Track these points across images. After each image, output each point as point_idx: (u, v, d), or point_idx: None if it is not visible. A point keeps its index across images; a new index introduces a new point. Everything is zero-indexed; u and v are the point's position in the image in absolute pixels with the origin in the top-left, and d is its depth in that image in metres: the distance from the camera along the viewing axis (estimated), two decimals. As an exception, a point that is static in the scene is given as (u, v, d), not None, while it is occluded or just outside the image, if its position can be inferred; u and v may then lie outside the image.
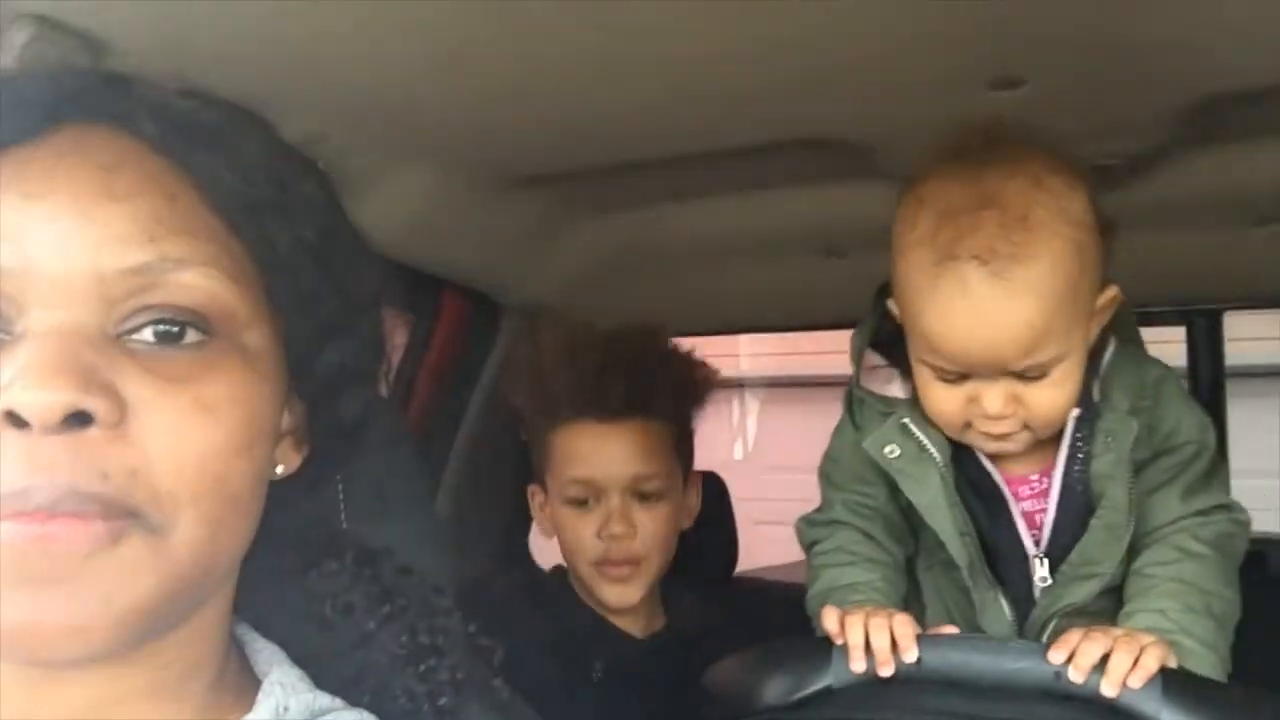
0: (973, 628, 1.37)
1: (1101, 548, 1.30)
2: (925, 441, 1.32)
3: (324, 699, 0.66)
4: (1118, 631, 1.12)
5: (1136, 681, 1.04)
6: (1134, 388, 1.32)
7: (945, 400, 1.27)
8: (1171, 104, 1.44)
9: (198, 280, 0.61)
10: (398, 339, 2.07)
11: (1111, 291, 1.28)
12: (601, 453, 1.57)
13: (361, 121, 1.41)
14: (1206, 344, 2.49)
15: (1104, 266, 1.26)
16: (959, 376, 1.25)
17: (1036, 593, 1.34)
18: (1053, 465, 1.32)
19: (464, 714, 0.71)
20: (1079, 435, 1.30)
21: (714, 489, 2.31)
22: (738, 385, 8.03)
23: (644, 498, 1.59)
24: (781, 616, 2.12)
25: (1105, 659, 1.07)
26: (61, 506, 0.54)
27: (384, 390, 0.78)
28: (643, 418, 1.59)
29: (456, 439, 2.09)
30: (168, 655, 0.62)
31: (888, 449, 1.34)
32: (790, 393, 7.87)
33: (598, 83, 1.35)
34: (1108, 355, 1.32)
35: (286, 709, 0.64)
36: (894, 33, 1.21)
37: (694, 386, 1.68)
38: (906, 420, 1.33)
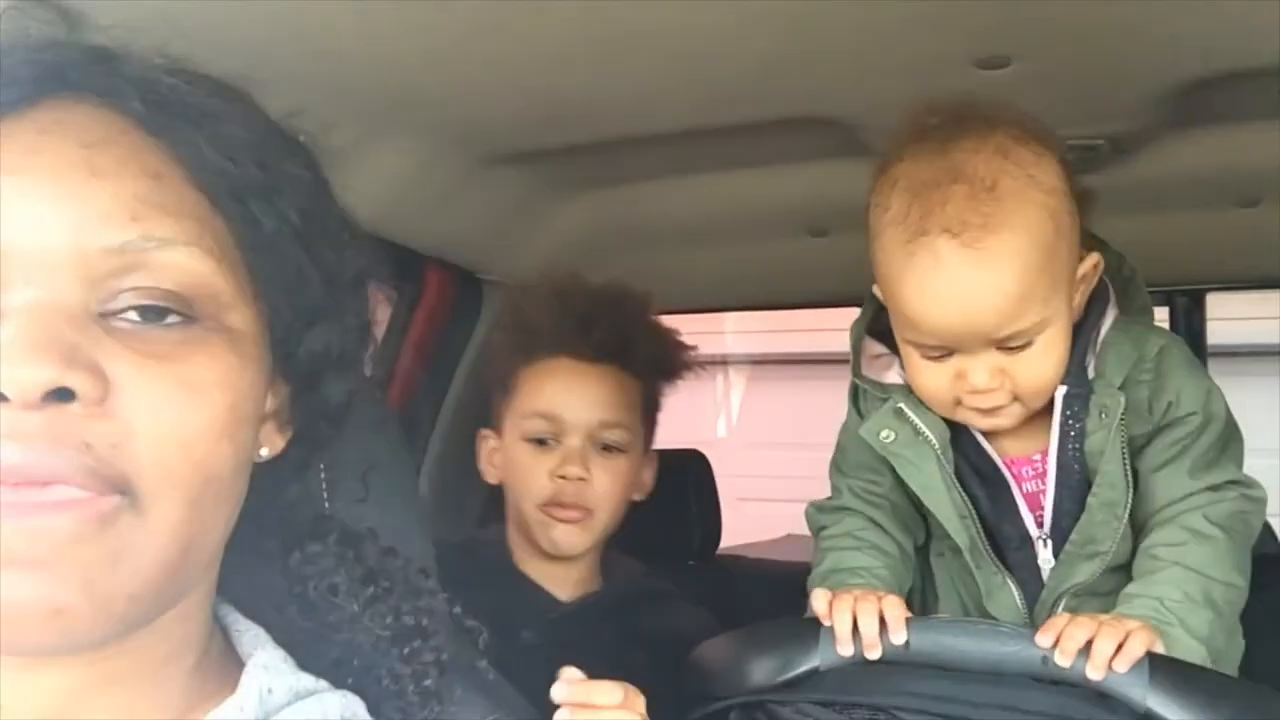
0: (982, 613, 1.38)
1: (1101, 526, 1.30)
2: (920, 425, 1.32)
3: (308, 680, 0.66)
4: (1105, 616, 1.12)
5: (1122, 666, 1.04)
6: (1130, 360, 1.30)
7: (933, 378, 1.27)
8: (1156, 86, 1.44)
9: (181, 259, 0.60)
10: (381, 314, 2.06)
11: (1093, 258, 1.28)
12: (572, 391, 1.55)
13: (344, 96, 1.39)
14: (1188, 324, 2.51)
15: (1081, 233, 1.26)
16: (943, 352, 1.25)
17: (1044, 575, 1.34)
18: (1050, 438, 1.32)
19: (448, 695, 0.71)
20: (1069, 412, 1.29)
21: (698, 467, 2.32)
22: (721, 362, 8.05)
23: (605, 448, 1.56)
24: (760, 596, 2.14)
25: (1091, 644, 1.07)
26: (44, 475, 0.54)
27: (368, 369, 0.78)
28: (617, 366, 1.57)
29: (440, 415, 2.09)
30: (151, 640, 0.62)
31: (883, 434, 1.34)
32: (774, 370, 7.88)
33: (583, 60, 1.34)
34: (1104, 329, 1.31)
35: (270, 691, 0.64)
36: (881, 11, 1.21)
37: (671, 355, 1.67)
38: (901, 405, 1.33)
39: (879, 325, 1.39)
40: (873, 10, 1.21)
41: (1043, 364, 1.24)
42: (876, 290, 1.33)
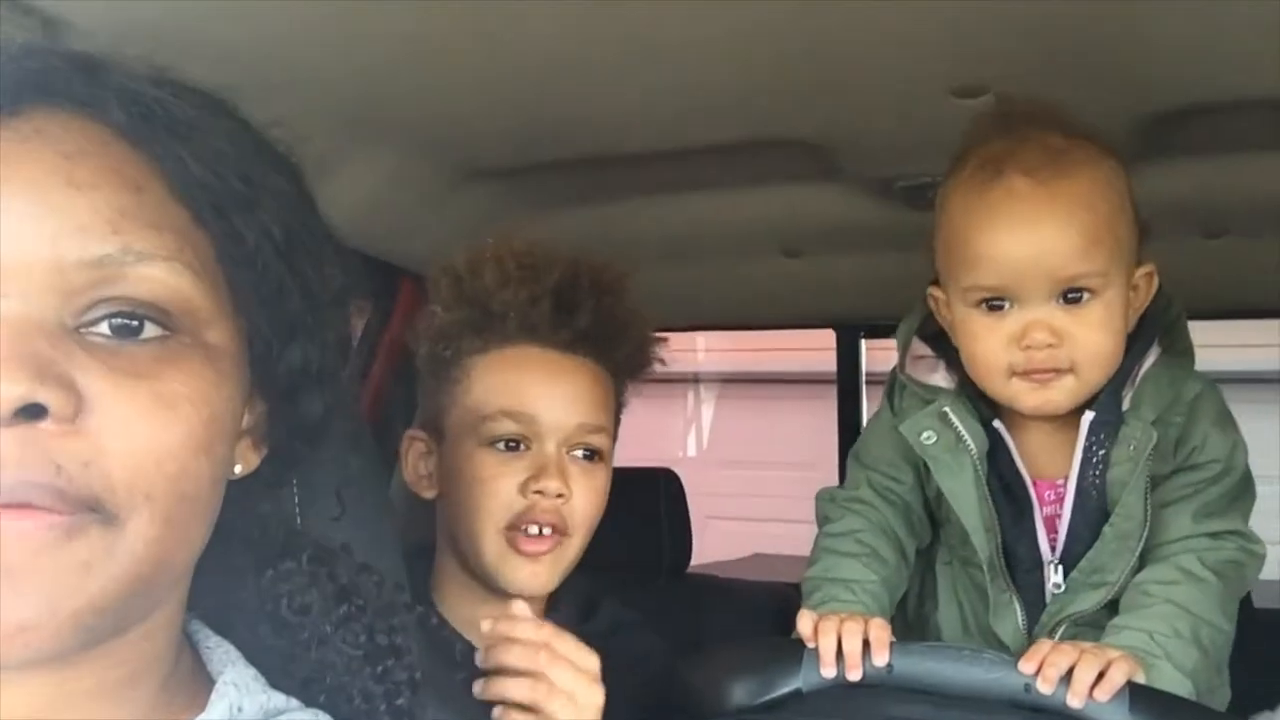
0: (985, 628, 1.38)
1: (1112, 556, 1.30)
2: (963, 431, 1.33)
3: (279, 699, 0.66)
4: (1087, 645, 1.12)
5: (1103, 695, 1.05)
6: (1167, 399, 1.31)
7: (991, 339, 1.26)
8: (1127, 118, 1.46)
9: (160, 274, 0.59)
10: (355, 325, 2.06)
11: (1148, 267, 1.30)
12: (548, 384, 1.27)
13: (320, 107, 1.39)
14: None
15: (1139, 236, 1.29)
16: (1001, 305, 1.25)
17: (1048, 598, 1.35)
18: (1072, 461, 1.32)
19: (420, 715, 0.70)
20: (1093, 439, 1.30)
21: (669, 485, 2.32)
22: (693, 380, 8.05)
23: (584, 455, 1.28)
24: (728, 615, 2.14)
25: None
26: (12, 498, 0.53)
27: (344, 384, 0.77)
28: (596, 360, 1.31)
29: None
30: (117, 656, 0.61)
31: (924, 435, 1.34)
32: (744, 388, 7.90)
33: (561, 78, 1.35)
34: (1146, 365, 1.32)
35: (240, 709, 0.63)
36: (859, 38, 1.22)
37: (648, 350, 1.40)
38: (947, 409, 1.34)
39: (925, 330, 1.41)
40: (851, 36, 1.22)
41: (1101, 330, 1.24)
42: (932, 291, 1.35)
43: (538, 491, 1.24)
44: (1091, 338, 1.24)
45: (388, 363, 2.01)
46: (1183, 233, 1.90)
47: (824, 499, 1.48)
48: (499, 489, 1.24)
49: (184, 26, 1.08)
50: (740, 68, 1.32)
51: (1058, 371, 1.25)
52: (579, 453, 1.28)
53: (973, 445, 1.32)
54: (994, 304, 1.26)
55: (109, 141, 0.61)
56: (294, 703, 0.66)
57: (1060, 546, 1.34)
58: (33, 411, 0.53)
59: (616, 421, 1.38)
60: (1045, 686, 1.06)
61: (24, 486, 0.53)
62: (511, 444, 1.26)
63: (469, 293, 1.29)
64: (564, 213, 1.95)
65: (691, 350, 7.53)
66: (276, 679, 0.68)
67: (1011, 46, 1.25)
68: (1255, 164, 1.61)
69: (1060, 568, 1.33)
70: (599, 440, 1.30)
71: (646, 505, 2.26)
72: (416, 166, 1.67)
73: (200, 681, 0.66)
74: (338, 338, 0.72)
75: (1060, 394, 1.27)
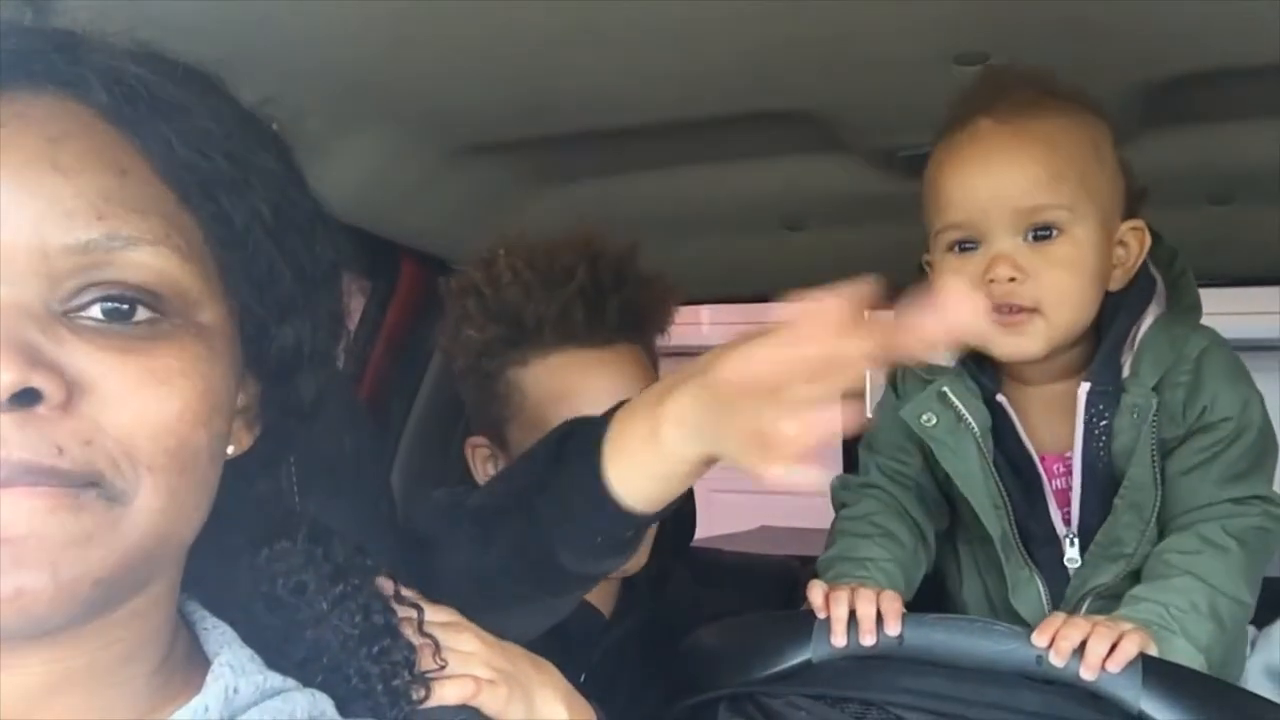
0: (1006, 606, 1.37)
1: (1127, 528, 1.29)
2: (963, 410, 1.32)
3: (275, 680, 0.65)
4: (1100, 618, 1.11)
5: (1114, 666, 1.04)
6: (1167, 362, 1.29)
7: (958, 278, 1.24)
8: (1131, 84, 1.44)
9: (148, 259, 0.59)
10: (355, 306, 2.05)
11: (1136, 222, 1.29)
12: (596, 384, 1.31)
13: (316, 83, 1.38)
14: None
15: (1125, 190, 1.30)
16: (972, 246, 1.26)
17: (1069, 573, 1.34)
18: (1074, 435, 1.32)
19: (418, 695, 0.70)
20: (1094, 410, 1.29)
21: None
22: (698, 354, 8.04)
23: None
24: (736, 588, 2.14)
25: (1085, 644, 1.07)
26: (15, 479, 0.53)
27: (340, 363, 0.77)
28: (630, 342, 1.36)
29: (414, 407, 2.08)
30: (111, 635, 0.61)
31: (924, 417, 1.34)
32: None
33: (559, 52, 1.34)
34: (1144, 328, 1.30)
35: (236, 691, 0.63)
36: (859, 6, 1.21)
37: (669, 305, 1.46)
38: (945, 389, 1.33)
39: None
40: (850, 5, 1.21)
41: (1067, 269, 1.24)
42: (925, 261, 1.34)
43: None
44: (1056, 275, 1.23)
45: (388, 343, 2.01)
46: (1188, 200, 1.89)
47: (837, 486, 1.47)
48: None
49: (173, 6, 1.06)
50: (739, 39, 1.31)
51: (1023, 310, 1.24)
52: None
53: (974, 424, 1.32)
54: (965, 246, 1.27)
55: (92, 123, 0.60)
56: (291, 683, 0.66)
57: (1075, 520, 1.33)
58: (27, 397, 0.53)
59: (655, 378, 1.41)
60: (1058, 659, 1.06)
61: (26, 468, 0.53)
62: None
63: (495, 309, 1.33)
64: (564, 187, 1.94)
65: (696, 324, 7.52)
66: (273, 659, 0.67)
67: (1013, 13, 1.24)
68: (1260, 131, 1.59)
69: (1077, 541, 1.33)
70: None
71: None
72: (416, 143, 1.66)
73: (197, 663, 0.66)
74: (330, 317, 0.71)
75: (1031, 339, 1.25)
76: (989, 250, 1.25)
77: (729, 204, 2.02)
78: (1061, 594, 1.35)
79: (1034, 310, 1.24)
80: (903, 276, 1.45)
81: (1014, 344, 1.26)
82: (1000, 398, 1.33)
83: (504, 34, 1.27)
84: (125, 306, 0.58)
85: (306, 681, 0.68)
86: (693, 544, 2.37)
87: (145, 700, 0.63)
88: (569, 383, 1.32)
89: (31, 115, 0.59)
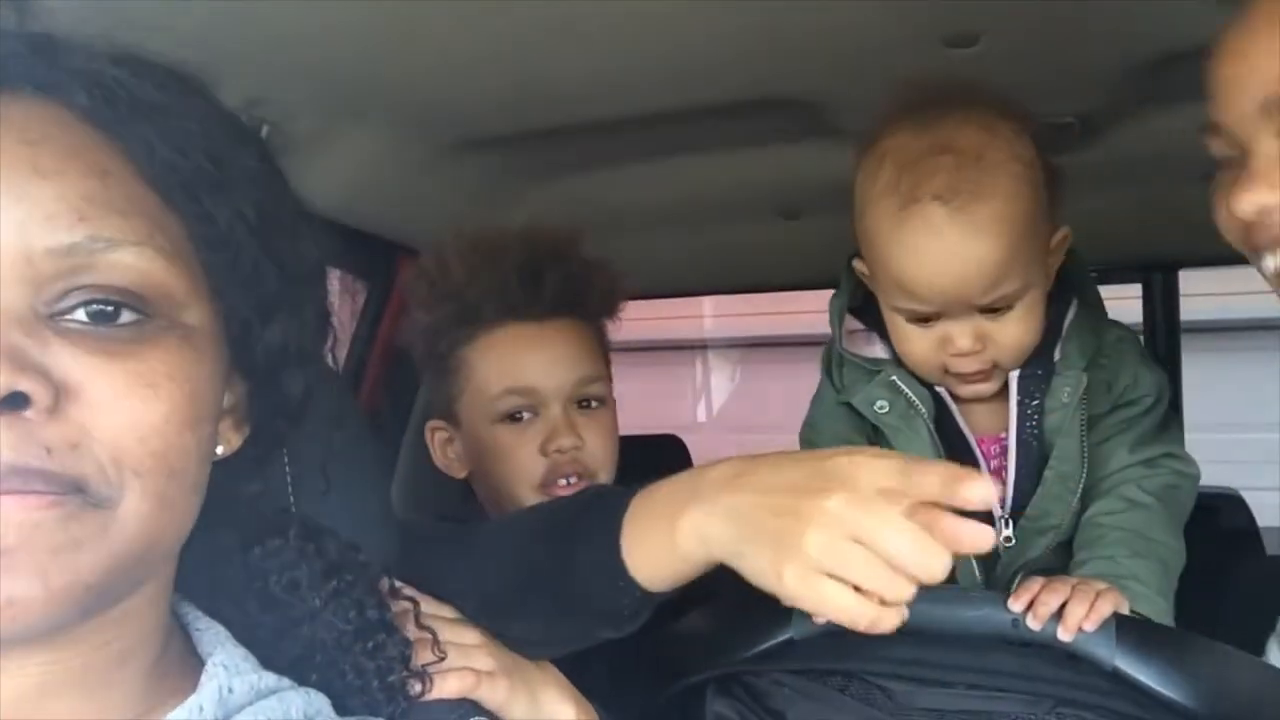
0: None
1: (1054, 500, 1.34)
2: (913, 396, 1.36)
3: (270, 679, 0.65)
4: (1074, 580, 1.13)
5: (1090, 625, 1.06)
6: (1092, 347, 1.36)
7: (919, 344, 1.31)
8: (1126, 61, 1.44)
9: (131, 260, 0.59)
10: (353, 305, 2.05)
11: (1063, 231, 1.33)
12: (539, 356, 1.39)
13: (306, 83, 1.38)
14: (1162, 300, 2.52)
15: (1054, 207, 1.31)
16: (930, 317, 1.29)
17: (1000, 552, 1.37)
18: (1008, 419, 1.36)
19: (414, 690, 0.70)
20: (1025, 394, 1.35)
21: (674, 452, 2.32)
22: (700, 347, 8.05)
23: (586, 405, 1.41)
24: (737, 580, 2.13)
25: (1062, 607, 1.09)
26: (5, 485, 0.53)
27: (331, 363, 0.77)
28: (573, 317, 1.42)
29: (415, 405, 2.07)
30: (104, 636, 0.61)
31: (878, 404, 1.38)
32: (753, 353, 7.89)
33: (551, 44, 1.33)
34: (1069, 317, 1.36)
35: (230, 690, 0.63)
36: (848, -10, 1.20)
37: (614, 288, 1.50)
38: (895, 378, 1.37)
39: (854, 301, 1.43)
40: (839, -11, 1.20)
41: (1022, 328, 1.29)
42: (858, 265, 1.37)
43: (556, 450, 1.37)
44: (1015, 338, 1.30)
45: (387, 342, 2.00)
46: (1185, 178, 1.88)
47: None
48: (521, 457, 1.38)
49: (158, 6, 1.06)
50: (729, 27, 1.31)
51: (982, 371, 1.31)
52: (582, 404, 1.41)
53: (923, 409, 1.36)
54: (919, 319, 1.30)
55: (73, 125, 0.60)
56: (285, 682, 0.66)
57: (1009, 501, 1.37)
58: (15, 401, 0.53)
59: (607, 362, 1.50)
60: (1035, 623, 1.07)
61: (13, 470, 0.53)
62: (521, 415, 1.39)
63: (443, 291, 1.41)
64: (559, 181, 1.93)
65: (698, 316, 7.52)
66: (268, 658, 0.67)
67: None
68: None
69: (1010, 522, 1.37)
70: (597, 388, 1.43)
71: (652, 473, 2.25)
72: (408, 140, 1.66)
73: (191, 663, 0.66)
74: (317, 314, 0.71)
75: (991, 385, 1.34)
76: (948, 325, 1.29)
77: (723, 194, 2.02)
78: (992, 571, 1.38)
79: (994, 367, 1.31)
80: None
81: (973, 390, 1.34)
82: (938, 388, 1.37)
83: (494, 28, 1.27)
84: (110, 309, 0.58)
85: (302, 678, 0.68)
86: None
87: (140, 701, 0.63)
88: (512, 355, 1.40)
89: (11, 119, 0.59)
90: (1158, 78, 1.47)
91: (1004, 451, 1.38)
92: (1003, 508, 1.37)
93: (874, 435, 1.42)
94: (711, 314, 7.73)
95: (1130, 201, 1.98)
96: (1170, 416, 1.41)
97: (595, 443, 1.40)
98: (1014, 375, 1.33)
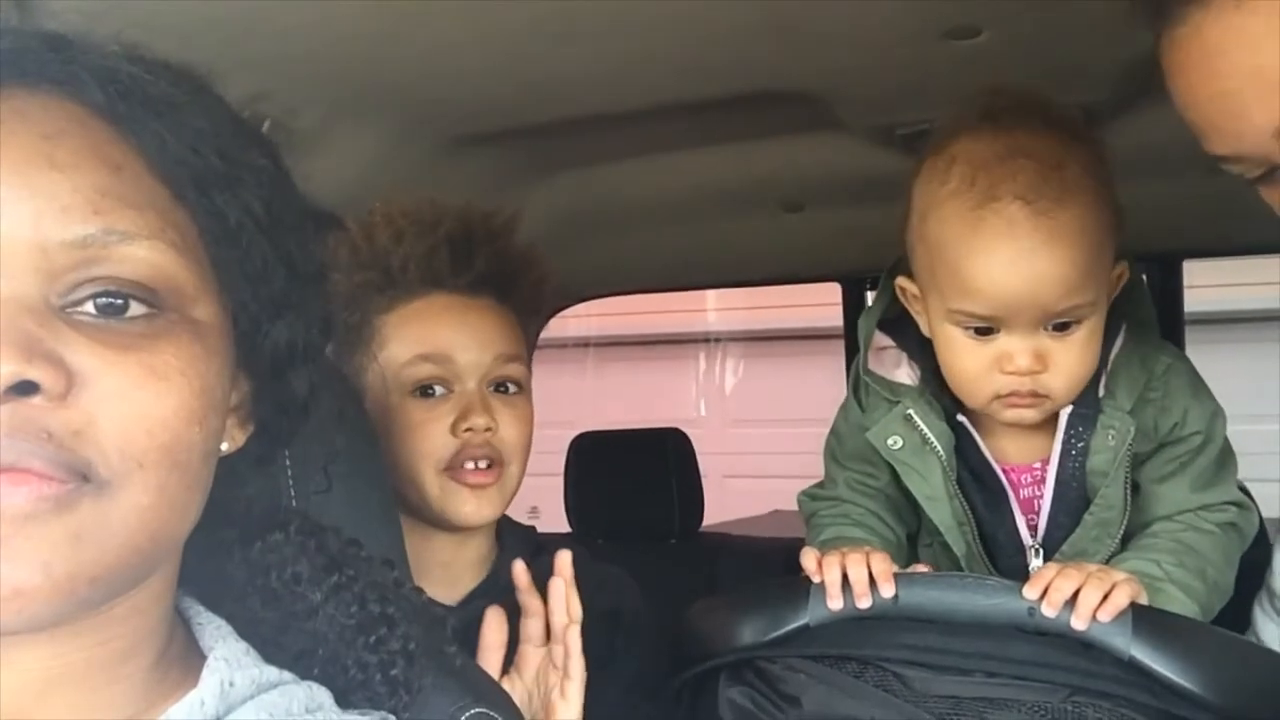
0: None
1: (1094, 542, 1.31)
2: (928, 433, 1.32)
3: (271, 673, 0.66)
4: (1091, 568, 1.13)
5: (1105, 616, 1.06)
6: (1140, 381, 1.32)
7: (972, 361, 1.26)
8: (1128, 52, 1.43)
9: (143, 253, 0.59)
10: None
11: (1121, 266, 1.29)
12: (459, 327, 1.32)
13: (308, 78, 1.38)
14: (1165, 291, 2.52)
15: (1117, 239, 1.27)
16: (989, 330, 1.24)
17: None
18: (1051, 454, 1.33)
19: (416, 684, 0.71)
20: (1072, 430, 1.30)
21: (677, 444, 2.32)
22: (704, 340, 8.04)
23: (503, 389, 1.34)
24: (745, 572, 2.14)
25: (1077, 595, 1.08)
26: (3, 462, 0.53)
27: (334, 361, 0.77)
28: (499, 300, 1.36)
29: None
30: (108, 631, 0.61)
31: (890, 440, 1.34)
32: (758, 346, 7.89)
33: (553, 38, 1.33)
34: (1116, 348, 1.32)
35: (232, 684, 0.63)
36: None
37: (543, 281, 1.43)
38: (910, 412, 1.33)
39: (886, 317, 1.39)
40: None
41: (1082, 354, 1.25)
42: (900, 282, 1.33)
43: (468, 429, 1.29)
44: (1074, 364, 1.25)
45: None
46: (1189, 170, 1.88)
47: (805, 499, 1.48)
48: (430, 433, 1.29)
49: (164, 6, 1.07)
50: (731, 21, 1.30)
51: (1035, 395, 1.25)
52: (499, 387, 1.34)
53: (938, 446, 1.32)
54: (981, 329, 1.25)
55: (87, 121, 0.61)
56: (287, 675, 0.66)
57: (1041, 531, 1.34)
58: (24, 389, 0.54)
59: (529, 353, 1.43)
60: (1050, 610, 1.07)
61: (15, 451, 0.54)
62: (434, 389, 1.31)
63: (366, 256, 1.33)
64: (562, 175, 1.93)
65: (702, 310, 7.52)
66: (270, 653, 0.68)
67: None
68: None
69: (1041, 552, 1.34)
70: (516, 371, 1.35)
71: (655, 466, 2.26)
72: (411, 135, 1.66)
73: (193, 658, 0.67)
74: (322, 312, 0.72)
75: (1035, 413, 1.28)
76: (1010, 340, 1.23)
77: (726, 187, 2.02)
78: None
79: (1046, 395, 1.26)
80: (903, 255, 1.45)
81: (1016, 415, 1.28)
82: (960, 418, 1.34)
83: (497, 23, 1.27)
84: (119, 301, 0.59)
85: (304, 673, 0.68)
86: (702, 528, 2.38)
87: (142, 695, 0.64)
88: (431, 322, 1.32)
89: (28, 113, 0.59)
90: (1158, 73, 1.47)
91: (1037, 481, 1.34)
92: (1034, 537, 1.34)
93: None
94: (716, 308, 7.73)
95: (1132, 192, 1.96)
96: (1226, 456, 1.36)
97: (510, 429, 1.32)
98: (1064, 411, 1.29)
